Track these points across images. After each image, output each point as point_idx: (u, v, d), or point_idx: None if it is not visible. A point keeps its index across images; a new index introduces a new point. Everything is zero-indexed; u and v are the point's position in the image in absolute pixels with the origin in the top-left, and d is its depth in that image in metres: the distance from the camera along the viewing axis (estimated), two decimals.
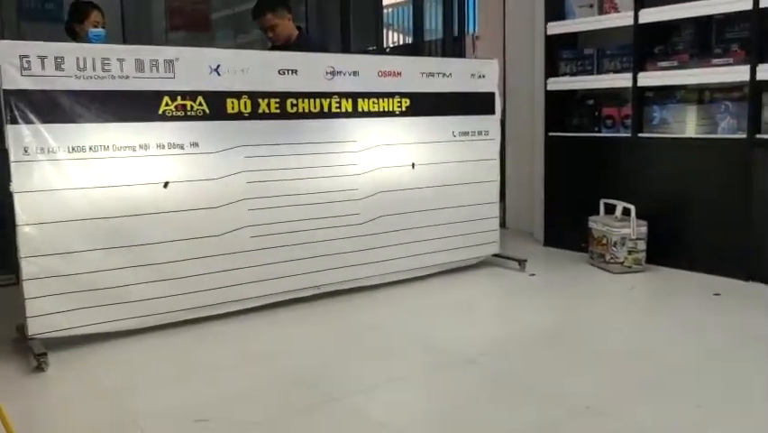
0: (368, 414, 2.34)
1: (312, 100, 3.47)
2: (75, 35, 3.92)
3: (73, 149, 2.85)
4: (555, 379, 2.60)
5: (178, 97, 3.08)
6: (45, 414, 2.46)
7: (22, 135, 2.74)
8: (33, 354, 2.75)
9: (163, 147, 3.06)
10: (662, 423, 2.22)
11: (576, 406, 2.35)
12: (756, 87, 3.67)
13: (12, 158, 2.73)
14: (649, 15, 4.08)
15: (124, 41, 5.24)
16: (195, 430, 2.23)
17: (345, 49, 6.62)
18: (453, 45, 6.39)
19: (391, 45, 8.73)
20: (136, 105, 2.98)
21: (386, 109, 3.73)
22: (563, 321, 3.32)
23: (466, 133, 4.07)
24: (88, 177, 2.89)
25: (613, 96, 4.45)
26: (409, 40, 8.31)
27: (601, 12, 4.39)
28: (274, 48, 4.11)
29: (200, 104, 3.14)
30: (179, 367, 2.80)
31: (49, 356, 2.75)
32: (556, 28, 4.57)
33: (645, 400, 2.39)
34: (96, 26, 3.88)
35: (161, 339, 3.06)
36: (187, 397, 2.49)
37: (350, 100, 3.60)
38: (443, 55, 6.29)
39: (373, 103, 3.68)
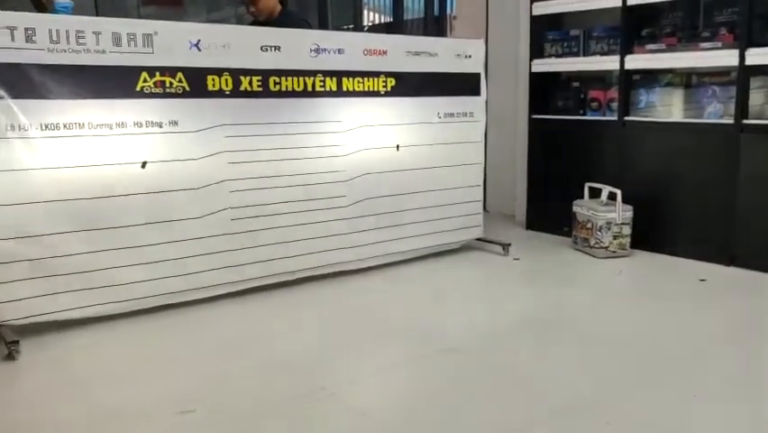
0: (354, 403, 2.26)
1: (295, 78, 3.35)
2: (40, 6, 3.72)
3: (46, 126, 2.71)
4: (546, 368, 2.54)
5: (157, 73, 2.94)
6: (15, 407, 2.30)
7: None
8: (5, 341, 2.61)
9: (141, 125, 2.92)
10: (657, 413, 2.17)
11: (569, 396, 2.30)
12: (745, 71, 3.63)
13: None
14: None
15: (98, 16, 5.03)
16: (179, 422, 2.13)
17: (323, 27, 6.48)
18: (434, 25, 6.29)
19: (368, 24, 8.58)
20: (113, 81, 2.84)
21: (371, 89, 3.62)
22: (551, 307, 3.26)
23: (451, 115, 3.98)
24: (63, 156, 2.75)
25: (599, 78, 4.39)
26: (386, 19, 8.17)
27: None
28: (256, 23, 3.97)
29: (180, 80, 3.00)
30: (158, 355, 2.69)
31: (20, 344, 2.62)
32: (542, 8, 4.49)
33: (641, 391, 2.34)
34: None
35: (138, 325, 2.94)
36: (168, 386, 2.39)
37: (334, 79, 3.48)
38: (424, 35, 6.18)
39: (358, 82, 3.56)
